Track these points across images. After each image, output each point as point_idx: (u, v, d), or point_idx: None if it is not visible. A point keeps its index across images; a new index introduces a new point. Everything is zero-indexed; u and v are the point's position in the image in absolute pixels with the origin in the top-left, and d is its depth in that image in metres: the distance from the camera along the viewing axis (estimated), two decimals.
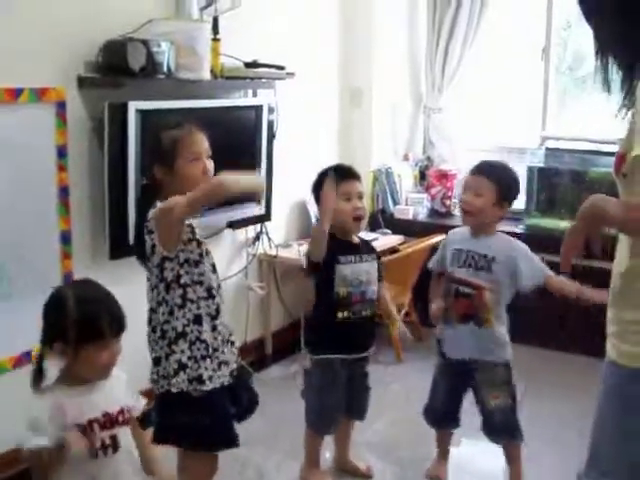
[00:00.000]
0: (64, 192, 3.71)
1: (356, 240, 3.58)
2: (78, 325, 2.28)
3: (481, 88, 6.16)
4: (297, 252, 5.00)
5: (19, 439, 2.31)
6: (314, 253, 3.39)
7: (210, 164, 2.88)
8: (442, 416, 3.68)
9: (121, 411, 2.42)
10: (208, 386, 2.85)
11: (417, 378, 4.37)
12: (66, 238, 3.76)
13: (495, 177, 3.40)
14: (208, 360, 2.85)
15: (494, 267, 3.38)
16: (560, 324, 5.18)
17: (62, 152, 3.68)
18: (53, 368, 2.39)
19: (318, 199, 3.40)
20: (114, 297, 2.43)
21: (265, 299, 5.21)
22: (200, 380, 2.84)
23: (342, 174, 3.49)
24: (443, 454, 3.78)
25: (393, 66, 5.92)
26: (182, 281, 2.82)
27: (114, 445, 2.38)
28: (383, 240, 5.30)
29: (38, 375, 2.38)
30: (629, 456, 2.20)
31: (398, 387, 4.75)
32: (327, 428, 3.65)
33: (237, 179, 2.77)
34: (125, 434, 2.43)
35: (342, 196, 3.43)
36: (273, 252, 5.08)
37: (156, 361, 2.88)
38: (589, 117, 6.04)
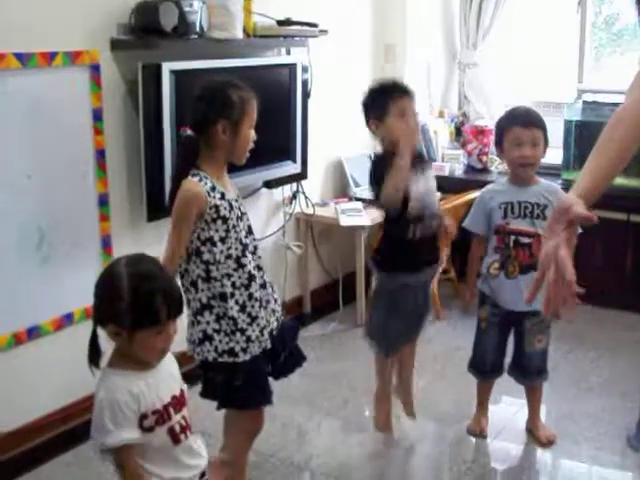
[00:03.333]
0: (101, 155, 3.72)
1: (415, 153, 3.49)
2: (132, 309, 2.11)
3: (516, 42, 6.06)
4: (334, 210, 5.00)
5: (95, 434, 2.14)
6: (393, 197, 3.30)
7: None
8: (490, 366, 3.71)
9: (181, 391, 2.31)
10: (242, 357, 2.84)
11: (457, 336, 4.39)
12: (103, 201, 3.77)
13: (543, 126, 3.46)
14: (239, 334, 2.83)
15: (547, 214, 3.41)
16: (605, 278, 5.14)
17: (97, 115, 3.68)
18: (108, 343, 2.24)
19: (369, 119, 3.45)
20: (170, 275, 2.33)
21: (303, 258, 5.22)
22: (232, 353, 2.83)
23: (395, 90, 3.47)
24: (483, 409, 3.80)
25: (427, 22, 5.84)
26: (204, 258, 2.80)
27: (188, 426, 2.28)
28: None
29: (94, 354, 2.22)
30: None
31: (438, 345, 4.73)
32: (397, 347, 3.66)
33: None
34: (187, 412, 2.32)
35: (396, 113, 3.39)
36: (310, 211, 5.08)
37: (188, 324, 2.90)
38: (625, 72, 5.94)
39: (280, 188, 4.90)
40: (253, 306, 2.86)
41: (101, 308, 2.20)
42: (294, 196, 5.03)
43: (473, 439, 3.76)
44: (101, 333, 2.21)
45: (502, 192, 3.54)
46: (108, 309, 2.16)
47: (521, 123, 3.44)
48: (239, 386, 2.86)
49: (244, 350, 2.84)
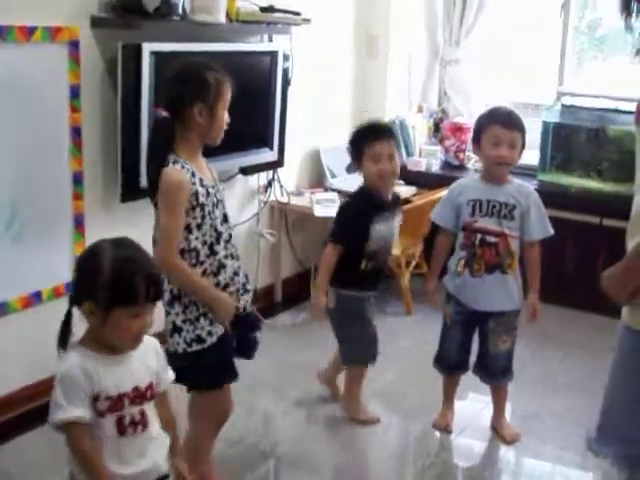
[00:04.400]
0: (76, 132, 3.69)
1: (389, 197, 3.65)
2: (111, 286, 2.08)
3: (498, 42, 6.08)
4: (309, 200, 5.00)
5: (50, 409, 2.10)
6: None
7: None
8: (455, 363, 3.72)
9: (150, 385, 2.24)
10: (209, 341, 2.84)
11: (426, 330, 4.37)
12: (78, 179, 3.74)
13: (522, 128, 3.48)
14: (202, 318, 2.83)
15: (515, 214, 3.45)
16: (576, 280, 5.18)
17: (75, 92, 3.65)
18: (79, 325, 2.21)
19: (355, 158, 3.60)
20: (153, 261, 2.29)
21: (276, 246, 5.20)
22: (199, 340, 2.83)
23: (372, 134, 3.57)
24: (449, 404, 3.81)
25: (410, 16, 5.83)
26: (180, 246, 2.78)
27: (143, 422, 2.20)
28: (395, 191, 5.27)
29: (65, 334, 2.19)
30: None
31: (407, 339, 4.75)
32: (373, 354, 3.76)
33: (222, 314, 2.86)
34: (152, 411, 2.26)
35: (370, 158, 3.52)
36: (285, 199, 5.06)
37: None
38: (607, 77, 5.97)
39: (256, 175, 4.88)
40: (218, 326, 2.87)
41: (80, 283, 2.18)
42: (269, 184, 5.02)
43: (438, 434, 3.76)
44: (75, 315, 2.18)
45: (472, 188, 3.55)
46: (87, 284, 2.13)
47: (502, 123, 3.44)
48: (209, 366, 2.86)
49: (210, 333, 2.84)
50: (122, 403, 2.15)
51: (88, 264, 2.17)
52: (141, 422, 2.20)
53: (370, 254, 3.57)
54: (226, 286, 2.88)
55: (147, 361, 2.26)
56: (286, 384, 4.16)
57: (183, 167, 2.75)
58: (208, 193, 2.82)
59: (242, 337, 3.01)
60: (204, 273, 2.82)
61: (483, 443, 3.71)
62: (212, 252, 2.83)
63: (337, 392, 3.99)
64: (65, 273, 3.69)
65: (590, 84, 5.88)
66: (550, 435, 3.77)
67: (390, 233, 3.63)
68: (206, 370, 2.87)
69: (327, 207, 4.85)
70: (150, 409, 2.24)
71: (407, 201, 5.16)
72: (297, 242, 5.39)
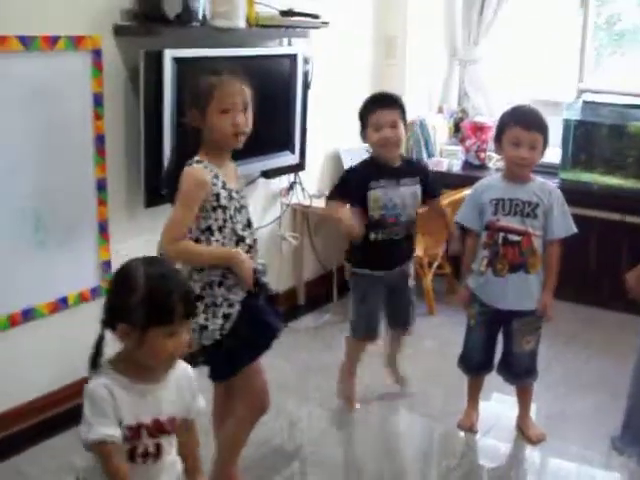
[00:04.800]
0: (100, 140, 3.72)
1: (397, 164, 3.68)
2: (147, 305, 2.06)
3: (517, 40, 6.06)
4: None
5: (81, 428, 2.08)
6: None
7: (243, 118, 2.81)
8: (479, 363, 3.72)
9: (173, 419, 2.20)
10: (231, 311, 2.85)
11: (450, 331, 4.39)
12: (101, 186, 3.77)
13: (544, 129, 3.46)
14: (220, 299, 2.85)
15: (538, 212, 3.45)
16: (599, 278, 5.17)
17: (98, 100, 3.68)
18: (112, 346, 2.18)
19: (362, 128, 3.66)
20: (184, 276, 2.27)
21: (298, 249, 5.22)
22: (225, 318, 2.84)
23: (375, 103, 3.64)
24: (474, 404, 3.81)
25: (429, 16, 5.83)
26: None
27: (156, 454, 2.17)
28: None
29: (96, 357, 2.15)
30: None
31: (430, 340, 4.75)
32: (362, 332, 3.85)
33: (242, 268, 2.80)
34: (170, 443, 2.22)
35: (372, 126, 3.59)
36: (307, 202, 5.08)
37: None
38: (626, 72, 5.95)
39: (277, 178, 4.90)
40: (237, 293, 2.86)
41: (114, 305, 2.15)
42: (291, 187, 5.04)
43: (463, 434, 3.77)
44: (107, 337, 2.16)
45: (494, 187, 3.54)
46: (121, 305, 2.10)
47: (522, 124, 3.43)
48: (241, 333, 2.86)
49: (231, 305, 2.85)
50: (139, 434, 2.13)
51: (121, 284, 2.14)
52: (154, 454, 2.17)
53: (375, 223, 3.62)
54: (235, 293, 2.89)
55: (178, 394, 2.23)
56: (310, 387, 4.18)
57: (206, 167, 2.79)
58: (231, 197, 2.84)
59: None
60: (223, 275, 2.84)
61: (508, 444, 3.71)
62: None
63: (398, 377, 4.11)
64: (91, 278, 3.74)
65: (610, 80, 5.87)
66: (575, 435, 3.76)
67: (393, 202, 3.63)
68: (243, 340, 2.87)
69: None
70: (167, 441, 2.20)
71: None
72: (319, 244, 5.41)
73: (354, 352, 3.93)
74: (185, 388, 2.25)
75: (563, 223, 3.49)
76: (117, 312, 2.12)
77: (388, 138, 3.57)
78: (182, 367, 2.25)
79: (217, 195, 2.79)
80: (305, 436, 3.78)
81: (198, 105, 2.79)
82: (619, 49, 6.19)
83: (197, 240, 2.81)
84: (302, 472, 3.60)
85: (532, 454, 3.65)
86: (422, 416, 3.98)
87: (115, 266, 3.78)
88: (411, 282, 3.88)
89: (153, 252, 2.67)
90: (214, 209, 2.79)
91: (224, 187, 2.81)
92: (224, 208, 2.81)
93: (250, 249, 2.91)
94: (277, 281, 4.94)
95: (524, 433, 3.73)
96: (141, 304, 2.06)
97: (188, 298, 2.16)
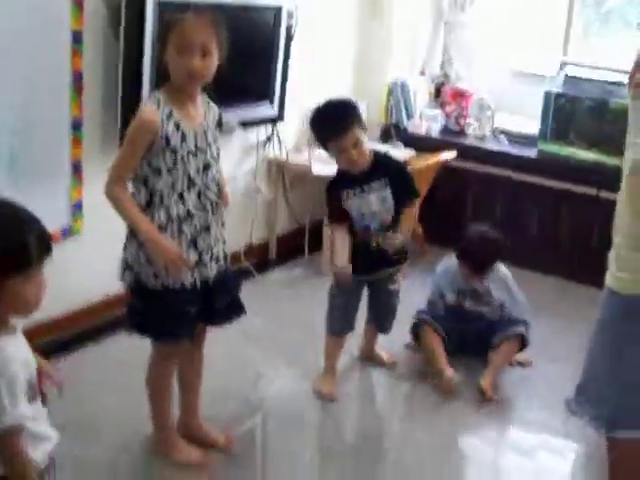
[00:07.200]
0: (78, 78, 3.67)
1: (364, 167, 3.53)
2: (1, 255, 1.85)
3: (504, 9, 6.02)
4: (307, 158, 4.98)
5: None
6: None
7: (199, 62, 2.67)
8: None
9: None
10: (152, 284, 2.82)
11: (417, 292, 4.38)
12: (77, 125, 3.73)
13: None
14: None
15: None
16: (571, 251, 5.20)
17: (77, 38, 3.63)
18: None
19: (320, 145, 3.61)
20: (34, 215, 2.00)
21: (272, 203, 5.21)
22: (150, 277, 2.82)
23: (332, 132, 3.45)
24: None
25: None
26: (149, 186, 2.77)
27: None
28: (394, 153, 5.22)
29: None
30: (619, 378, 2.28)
31: None
32: (338, 325, 3.78)
33: (156, 251, 2.73)
34: None
35: (333, 151, 3.50)
36: (283, 156, 5.06)
37: None
38: (611, 50, 5.94)
39: (255, 131, 4.88)
40: (180, 242, 2.80)
41: None
42: (268, 138, 5.01)
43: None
44: None
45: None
46: None
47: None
48: (150, 313, 2.87)
49: (155, 276, 2.81)
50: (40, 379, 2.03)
51: None
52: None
53: (356, 231, 3.58)
54: (194, 241, 2.84)
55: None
56: (278, 340, 4.18)
57: (159, 107, 2.73)
58: (184, 138, 2.76)
59: (227, 299, 3.00)
60: (168, 219, 2.78)
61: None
62: (181, 199, 2.79)
63: (382, 360, 4.05)
64: (63, 219, 3.74)
65: (594, 58, 5.85)
66: (538, 401, 3.81)
67: (361, 212, 3.55)
68: (151, 317, 2.88)
69: (325, 166, 4.85)
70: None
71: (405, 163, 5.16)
72: (294, 199, 5.39)
73: (332, 349, 3.82)
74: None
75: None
76: None
77: (354, 160, 3.46)
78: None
79: (167, 136, 2.72)
80: (271, 389, 3.79)
81: (160, 39, 2.78)
82: (605, 27, 6.17)
83: (145, 179, 2.77)
84: (265, 424, 3.61)
85: (490, 417, 3.68)
86: (384, 373, 4.00)
87: (87, 207, 3.78)
88: (392, 286, 3.79)
89: None
90: (163, 150, 2.72)
91: (177, 128, 2.73)
92: (174, 150, 2.74)
93: (201, 195, 2.83)
94: (250, 233, 4.95)
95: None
96: None
97: (44, 238, 1.96)
